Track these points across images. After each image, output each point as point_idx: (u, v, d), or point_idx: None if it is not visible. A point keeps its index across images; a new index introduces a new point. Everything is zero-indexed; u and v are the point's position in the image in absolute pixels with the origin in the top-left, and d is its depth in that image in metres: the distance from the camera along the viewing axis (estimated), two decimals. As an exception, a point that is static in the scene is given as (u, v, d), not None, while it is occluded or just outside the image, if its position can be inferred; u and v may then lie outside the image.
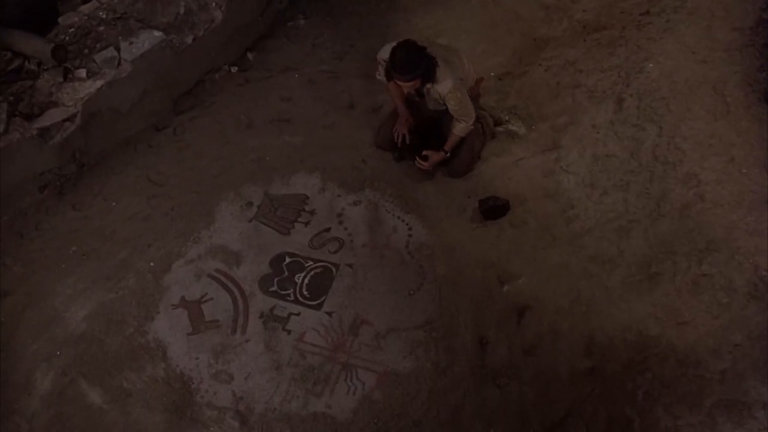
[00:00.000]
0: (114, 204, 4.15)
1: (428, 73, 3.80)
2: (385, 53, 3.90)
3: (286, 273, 3.81)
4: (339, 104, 4.69)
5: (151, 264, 3.86)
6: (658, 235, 3.65)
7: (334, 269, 3.83)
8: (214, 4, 4.74)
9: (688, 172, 3.73)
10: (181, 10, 4.62)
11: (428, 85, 3.92)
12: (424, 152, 4.13)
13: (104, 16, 4.42)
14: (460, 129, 4.08)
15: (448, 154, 4.15)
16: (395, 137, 4.21)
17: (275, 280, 3.78)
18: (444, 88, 3.87)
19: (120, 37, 4.36)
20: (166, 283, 3.78)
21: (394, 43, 3.82)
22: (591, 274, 3.71)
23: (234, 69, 4.94)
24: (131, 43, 4.34)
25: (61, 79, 4.15)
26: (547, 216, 4.01)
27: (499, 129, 4.49)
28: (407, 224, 4.04)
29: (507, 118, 4.52)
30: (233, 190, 4.19)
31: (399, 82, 3.82)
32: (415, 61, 3.73)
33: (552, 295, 3.69)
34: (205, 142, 4.47)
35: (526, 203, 4.09)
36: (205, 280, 3.79)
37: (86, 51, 4.29)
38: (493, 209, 4.02)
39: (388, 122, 4.33)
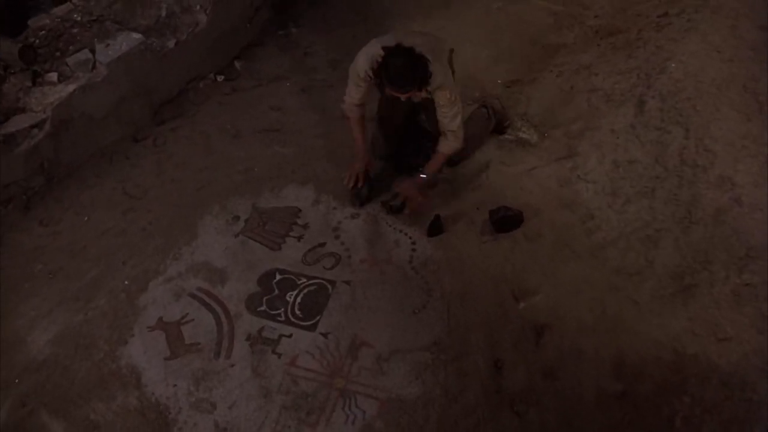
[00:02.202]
0: (86, 219, 3.97)
1: (425, 79, 3.59)
2: (364, 64, 3.67)
3: (277, 291, 3.63)
4: (333, 113, 4.51)
5: (126, 283, 3.67)
6: (691, 244, 3.50)
7: (329, 287, 3.65)
8: (198, 6, 4.65)
9: (721, 175, 3.59)
10: (163, 13, 4.52)
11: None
12: (396, 184, 3.95)
13: (79, 18, 4.30)
14: (447, 146, 3.84)
15: (424, 176, 3.89)
16: (347, 179, 4.00)
17: (264, 299, 3.59)
18: (434, 83, 3.65)
19: (95, 39, 4.23)
20: (141, 303, 3.58)
21: (372, 50, 3.62)
22: (617, 288, 3.53)
23: (220, 78, 4.84)
24: (107, 45, 4.21)
25: (30, 83, 4.01)
26: (565, 227, 3.85)
27: (509, 137, 4.37)
28: (410, 238, 3.88)
29: (518, 125, 4.38)
30: (218, 203, 4.04)
31: (395, 94, 3.62)
32: (412, 71, 3.52)
33: (573, 311, 3.49)
34: (188, 153, 4.34)
35: (541, 214, 3.93)
36: (185, 299, 3.59)
37: (58, 54, 4.15)
38: (505, 220, 3.84)
39: (380, 131, 4.16)
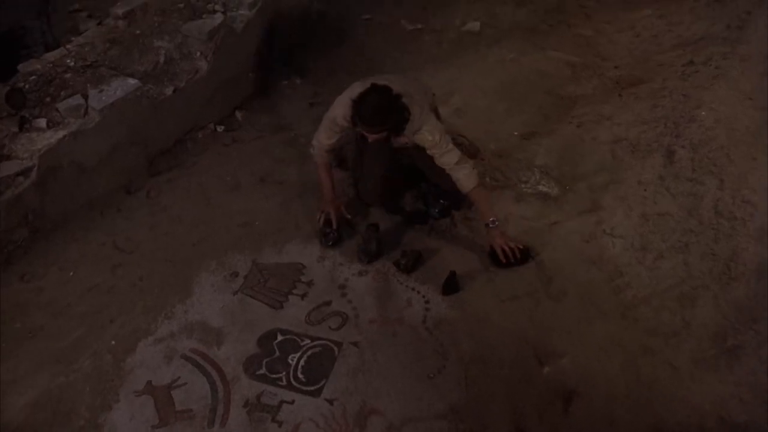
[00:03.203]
0: (71, 274, 3.84)
1: (398, 127, 3.59)
2: (341, 109, 3.67)
3: (278, 353, 3.47)
4: (339, 167, 4.45)
5: (113, 343, 3.51)
6: (732, 302, 3.35)
7: (336, 348, 3.49)
8: (198, 53, 4.61)
9: (762, 227, 3.45)
10: (161, 59, 4.49)
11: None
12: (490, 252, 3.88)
13: (72, 63, 4.30)
14: (467, 180, 3.73)
15: (496, 223, 3.81)
16: (318, 217, 4.02)
17: (264, 362, 3.43)
18: (413, 125, 3.63)
19: (89, 85, 4.16)
20: (129, 366, 3.41)
21: (348, 95, 3.62)
22: (651, 350, 3.38)
23: (220, 128, 4.77)
24: (101, 90, 4.14)
25: (17, 129, 3.92)
26: (591, 285, 3.73)
27: (528, 190, 4.28)
28: (424, 296, 3.74)
29: (537, 177, 4.32)
30: (215, 258, 3.92)
31: (366, 133, 3.61)
32: (387, 109, 3.50)
33: (604, 377, 3.32)
34: (184, 206, 4.24)
35: (564, 272, 3.81)
36: (177, 361, 3.43)
37: (48, 99, 4.09)
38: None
39: (368, 172, 4.09)
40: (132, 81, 4.23)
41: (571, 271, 3.80)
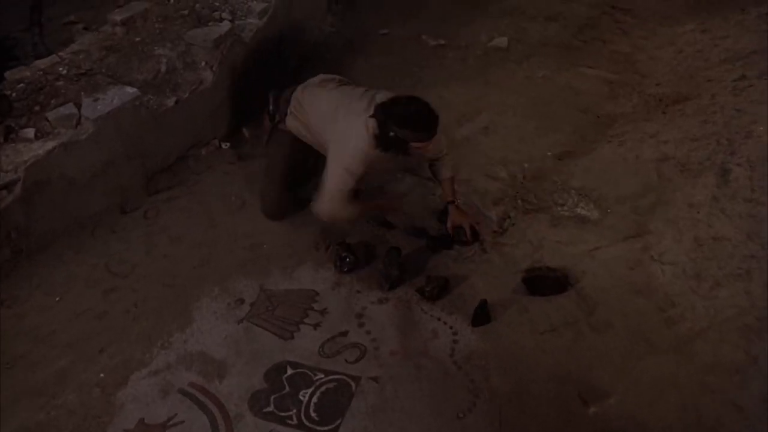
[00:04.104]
0: (57, 299, 3.70)
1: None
2: (363, 139, 3.60)
3: (288, 388, 3.31)
4: (357, 184, 4.33)
5: (101, 375, 3.36)
6: (804, 333, 3.14)
7: (353, 384, 3.34)
8: (203, 63, 4.52)
9: (832, 250, 3.27)
10: (163, 68, 4.39)
11: None
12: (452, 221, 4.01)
13: (65, 72, 4.20)
14: (451, 167, 4.01)
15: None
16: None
17: (272, 398, 3.28)
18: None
19: (82, 93, 4.06)
20: (119, 401, 3.25)
21: (360, 124, 3.60)
22: (712, 388, 3.19)
23: (225, 145, 4.69)
24: (96, 99, 4.02)
25: (1, 139, 3.80)
26: (640, 317, 3.56)
27: (565, 213, 4.19)
28: (451, 327, 3.60)
29: (575, 200, 4.24)
30: (218, 284, 3.80)
31: (419, 145, 3.58)
32: (434, 112, 3.56)
33: (658, 418, 3.13)
34: (185, 227, 4.14)
35: (607, 301, 3.65)
36: (174, 396, 3.27)
37: (37, 108, 3.97)
38: (541, 281, 3.72)
39: (272, 180, 4.13)
40: (130, 90, 4.12)
41: (615, 300, 3.66)
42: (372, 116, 3.54)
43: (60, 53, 4.33)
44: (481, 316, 3.61)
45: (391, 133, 3.49)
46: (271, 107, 4.10)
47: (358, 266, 3.87)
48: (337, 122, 3.68)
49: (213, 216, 4.22)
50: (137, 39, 4.50)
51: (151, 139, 4.26)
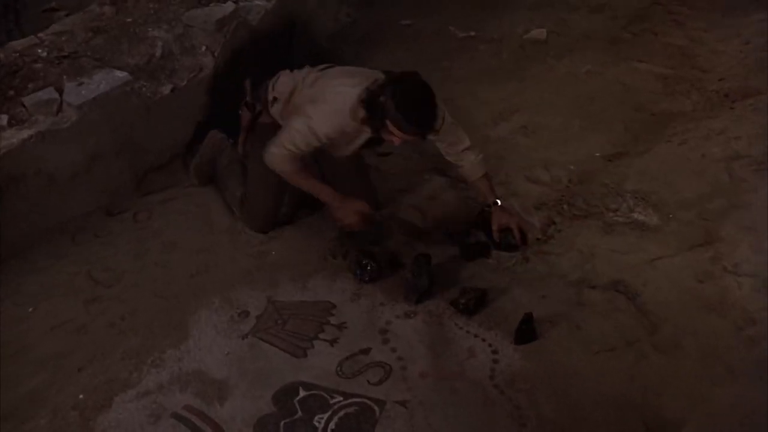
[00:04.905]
0: (30, 310, 3.65)
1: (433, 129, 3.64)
2: (342, 116, 3.58)
3: (300, 413, 3.23)
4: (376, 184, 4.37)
5: (80, 397, 3.28)
6: None
7: (376, 409, 3.24)
8: (204, 47, 4.46)
9: None
10: (158, 52, 4.33)
11: None
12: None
13: (44, 54, 4.16)
14: (482, 163, 3.93)
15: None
16: (343, 225, 3.89)
17: (282, 424, 3.18)
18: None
19: (65, 77, 4.01)
20: (100, 426, 3.16)
21: (348, 94, 3.54)
22: None
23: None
24: (81, 83, 3.97)
25: (-33, 128, 3.75)
26: (713, 336, 3.43)
27: (619, 218, 4.12)
28: (490, 345, 3.50)
29: (630, 204, 4.18)
30: (219, 294, 3.74)
31: (400, 136, 3.50)
32: (436, 105, 3.51)
33: (741, 453, 2.98)
34: (181, 231, 4.11)
35: (674, 318, 3.55)
36: (166, 422, 3.19)
37: (12, 92, 3.92)
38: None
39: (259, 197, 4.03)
40: (120, 74, 4.06)
41: (683, 317, 3.55)
42: (371, 84, 3.48)
43: (39, 34, 4.29)
44: (526, 332, 3.51)
45: (384, 118, 3.42)
46: (248, 97, 4.06)
47: (382, 275, 3.81)
48: (325, 93, 3.65)
49: (213, 220, 4.19)
50: (128, 20, 4.45)
51: (143, 131, 4.20)
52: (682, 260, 3.80)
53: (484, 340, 3.52)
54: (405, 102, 3.37)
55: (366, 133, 3.63)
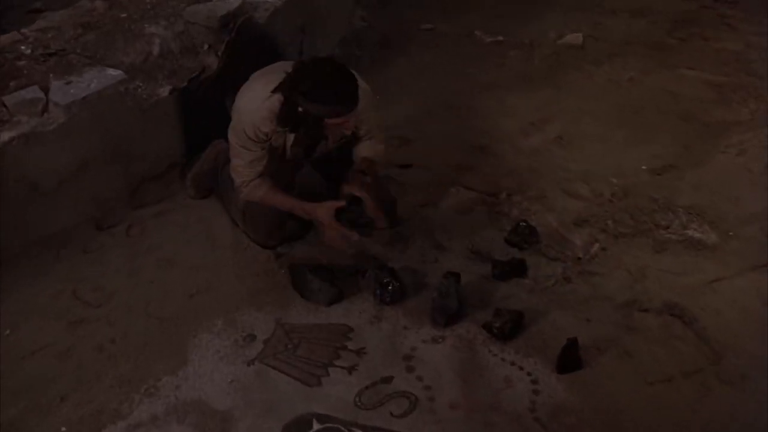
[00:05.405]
0: (7, 333, 3.59)
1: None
2: (261, 112, 3.57)
3: None
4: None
5: (63, 429, 3.20)
6: None
7: None
8: (206, 46, 4.44)
9: None
10: (155, 50, 4.30)
11: None
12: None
13: (28, 51, 4.15)
14: (379, 151, 3.94)
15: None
16: (328, 237, 3.89)
17: None
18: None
19: (51, 75, 3.97)
20: None
21: (260, 91, 3.56)
22: None
23: None
24: (69, 82, 3.92)
25: (-59, 128, 3.73)
26: None
27: (672, 236, 4.13)
28: (529, 374, 3.41)
29: (684, 220, 4.21)
30: (222, 315, 3.68)
31: (343, 121, 3.51)
32: (354, 83, 3.47)
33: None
34: (178, 247, 4.07)
35: (739, 346, 3.50)
36: None
37: None
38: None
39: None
40: (114, 72, 4.02)
41: (750, 345, 3.51)
42: (276, 89, 3.47)
43: (23, 30, 4.29)
44: (570, 360, 3.44)
45: (300, 109, 3.42)
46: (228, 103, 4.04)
47: (405, 296, 3.75)
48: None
49: (215, 234, 4.16)
50: (123, 15, 4.45)
51: (138, 136, 4.18)
52: (745, 282, 3.82)
53: (521, 368, 3.44)
54: (317, 93, 3.37)
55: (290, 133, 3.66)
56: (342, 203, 3.76)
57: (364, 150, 3.89)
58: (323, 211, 3.76)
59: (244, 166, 3.69)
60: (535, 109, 5.14)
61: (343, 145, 3.88)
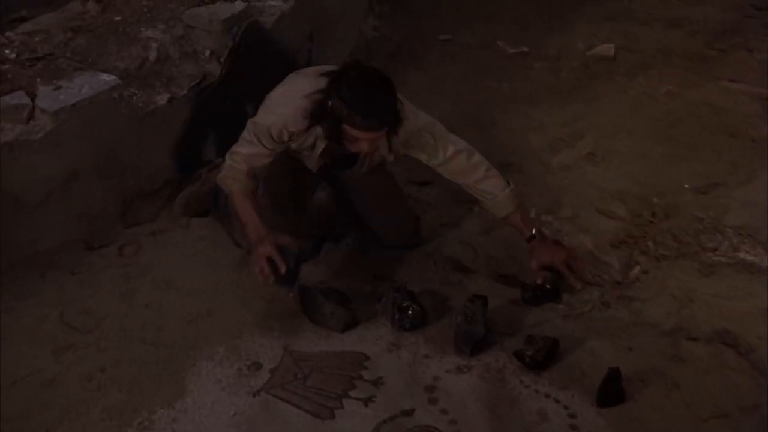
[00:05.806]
0: None
1: (396, 123, 3.51)
2: (284, 109, 3.57)
3: None
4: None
5: None
6: None
7: None
8: (208, 52, 4.45)
9: None
10: (152, 55, 4.31)
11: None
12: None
13: (13, 56, 4.17)
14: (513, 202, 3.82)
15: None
16: (258, 268, 3.68)
17: None
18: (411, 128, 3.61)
19: (38, 80, 3.98)
20: None
21: (300, 87, 3.53)
22: None
23: None
24: (58, 87, 3.92)
25: None
26: None
27: (720, 258, 4.08)
28: (566, 407, 3.33)
29: (734, 242, 4.17)
30: (224, 342, 3.63)
31: (361, 136, 3.43)
32: (392, 96, 3.40)
33: None
34: (177, 268, 4.06)
35: None
36: None
37: None
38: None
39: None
40: (107, 77, 4.01)
41: None
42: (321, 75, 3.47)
43: (7, 33, 4.30)
44: (612, 392, 3.35)
45: (329, 102, 3.37)
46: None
47: (425, 321, 3.70)
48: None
49: (217, 256, 4.14)
50: (117, 18, 4.47)
51: (132, 147, 4.17)
52: (805, 307, 3.78)
53: (557, 401, 3.37)
54: (353, 94, 3.32)
55: (321, 140, 3.61)
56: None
57: (502, 206, 3.80)
58: (266, 248, 3.65)
59: (243, 154, 3.66)
60: (564, 124, 5.15)
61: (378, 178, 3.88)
